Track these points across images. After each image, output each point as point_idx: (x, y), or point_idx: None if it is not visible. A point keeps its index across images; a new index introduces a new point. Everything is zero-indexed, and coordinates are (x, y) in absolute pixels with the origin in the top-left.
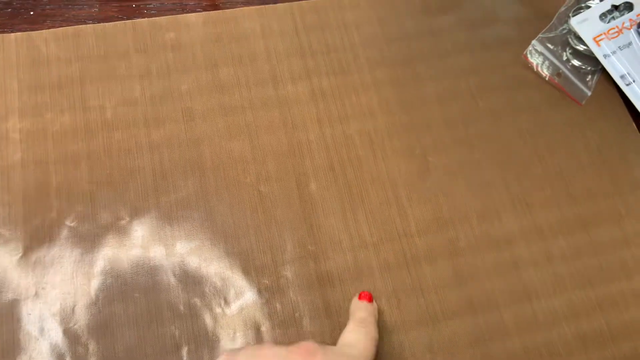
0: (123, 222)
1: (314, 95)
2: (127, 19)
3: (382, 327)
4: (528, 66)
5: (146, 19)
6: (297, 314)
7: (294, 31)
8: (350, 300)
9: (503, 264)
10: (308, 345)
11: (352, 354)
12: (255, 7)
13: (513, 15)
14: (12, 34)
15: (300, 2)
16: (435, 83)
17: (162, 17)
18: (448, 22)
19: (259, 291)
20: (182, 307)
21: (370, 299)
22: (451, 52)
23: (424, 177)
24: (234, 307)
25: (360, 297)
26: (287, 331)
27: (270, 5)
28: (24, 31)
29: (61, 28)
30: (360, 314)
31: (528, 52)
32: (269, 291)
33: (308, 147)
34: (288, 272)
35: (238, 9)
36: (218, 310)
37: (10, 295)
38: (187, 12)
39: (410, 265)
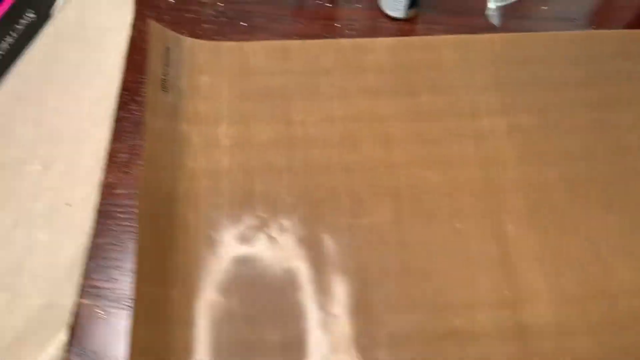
0: (316, 238)
1: (511, 131)
2: (330, 37)
3: None
4: None
5: (349, 39)
6: None
7: (492, 63)
8: None
9: None
10: None
11: None
12: (454, 36)
13: None
14: (225, 42)
15: (502, 34)
16: None
17: (364, 39)
18: None
19: (452, 332)
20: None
21: None
22: None
23: (634, 233)
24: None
25: None
26: None
27: (470, 35)
28: (236, 40)
29: (270, 41)
30: None
31: None
32: (462, 334)
33: (503, 185)
34: (481, 316)
35: (438, 36)
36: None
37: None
38: (386, 36)
39: (617, 328)
